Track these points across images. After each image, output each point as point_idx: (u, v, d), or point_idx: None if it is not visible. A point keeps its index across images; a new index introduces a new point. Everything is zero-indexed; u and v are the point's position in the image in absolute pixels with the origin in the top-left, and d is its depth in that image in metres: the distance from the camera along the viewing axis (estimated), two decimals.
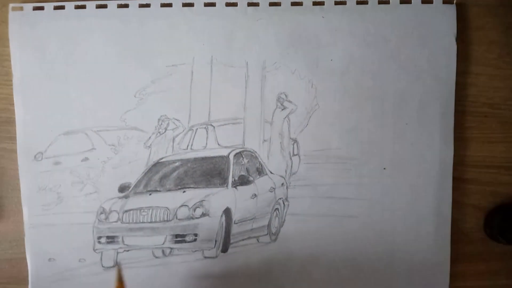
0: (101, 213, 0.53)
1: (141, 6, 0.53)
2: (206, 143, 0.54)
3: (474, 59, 0.54)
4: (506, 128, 0.55)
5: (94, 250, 0.53)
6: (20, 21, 0.53)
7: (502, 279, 0.57)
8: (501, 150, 0.55)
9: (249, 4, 0.53)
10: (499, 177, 0.56)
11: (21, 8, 0.53)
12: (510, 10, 0.54)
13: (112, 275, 0.52)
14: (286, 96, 0.54)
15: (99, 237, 0.53)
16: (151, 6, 0.53)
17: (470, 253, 0.56)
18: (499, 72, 0.54)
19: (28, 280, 0.54)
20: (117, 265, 0.53)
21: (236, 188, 0.54)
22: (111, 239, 0.53)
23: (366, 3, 0.53)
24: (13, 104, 0.53)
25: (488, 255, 0.56)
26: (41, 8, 0.53)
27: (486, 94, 0.55)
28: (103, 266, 0.53)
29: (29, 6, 0.52)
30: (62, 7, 0.53)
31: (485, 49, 0.54)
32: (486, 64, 0.54)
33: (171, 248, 0.53)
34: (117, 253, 0.53)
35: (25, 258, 0.54)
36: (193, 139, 0.54)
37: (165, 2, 0.53)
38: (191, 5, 0.53)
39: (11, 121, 0.54)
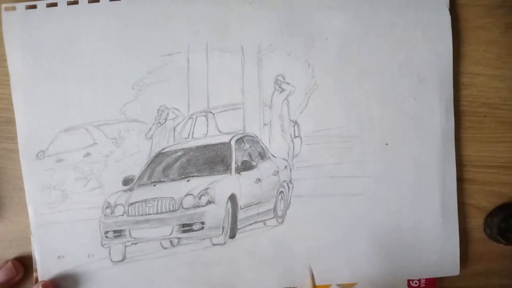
0: (107, 207, 0.53)
1: None
2: (207, 131, 0.54)
3: (474, 59, 0.54)
4: (506, 128, 0.55)
5: (102, 245, 0.53)
6: (13, 21, 0.53)
7: (502, 279, 0.57)
8: (501, 150, 0.55)
9: None
10: (499, 177, 0.56)
11: (14, 8, 0.53)
12: (510, 10, 0.54)
13: (122, 269, 0.53)
14: (283, 78, 0.54)
15: (106, 232, 0.53)
16: None
17: (470, 253, 0.56)
18: (499, 72, 0.55)
19: (32, 279, 0.54)
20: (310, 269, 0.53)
21: (239, 173, 0.54)
22: (118, 233, 0.53)
23: None
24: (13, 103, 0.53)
25: (488, 255, 0.56)
26: (34, 6, 0.53)
27: (485, 94, 0.55)
28: (112, 261, 0.53)
29: (21, 5, 0.52)
30: (55, 4, 0.53)
31: (485, 49, 0.54)
32: (486, 64, 0.54)
33: (179, 238, 0.53)
34: (125, 246, 0.53)
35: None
36: (194, 127, 0.54)
37: None
38: None
39: (12, 121, 0.53)
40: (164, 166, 0.54)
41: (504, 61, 0.54)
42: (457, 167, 0.54)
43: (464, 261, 0.56)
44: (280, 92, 0.54)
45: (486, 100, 0.55)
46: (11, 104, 0.53)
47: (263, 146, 0.54)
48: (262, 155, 0.55)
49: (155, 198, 0.53)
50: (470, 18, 0.54)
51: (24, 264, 0.54)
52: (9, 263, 0.53)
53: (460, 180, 0.55)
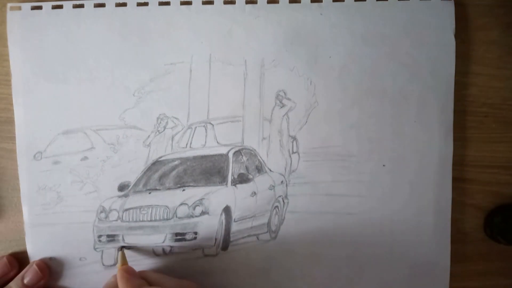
0: (101, 212, 0.53)
1: (139, 4, 0.53)
2: (205, 141, 0.54)
3: (474, 59, 0.54)
4: (506, 128, 0.55)
5: (95, 248, 0.53)
6: (18, 21, 0.53)
7: (502, 279, 0.57)
8: (501, 150, 0.55)
9: (247, 2, 0.53)
10: (499, 177, 0.55)
11: (19, 8, 0.53)
12: (510, 10, 0.54)
13: (113, 273, 0.53)
14: (285, 93, 0.54)
15: (100, 236, 0.53)
16: (149, 5, 0.53)
17: (470, 253, 0.56)
18: (499, 72, 0.54)
19: None
20: (121, 249, 0.52)
21: (235, 186, 0.54)
22: (111, 238, 0.53)
23: (365, 0, 0.53)
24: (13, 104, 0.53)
25: (488, 255, 0.56)
26: (39, 7, 0.53)
27: (486, 94, 0.55)
28: (103, 265, 0.54)
29: (27, 5, 0.52)
30: (60, 7, 0.53)
31: (485, 49, 0.54)
32: (486, 64, 0.54)
33: (171, 247, 0.53)
34: (118, 251, 0.53)
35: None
36: (192, 137, 0.54)
37: (163, 0, 0.53)
38: (189, 3, 0.53)
39: (11, 121, 0.54)
40: (160, 174, 0.54)
41: (504, 61, 0.54)
42: (457, 167, 0.54)
43: (464, 261, 0.56)
44: (281, 107, 0.54)
45: (486, 100, 0.55)
46: (11, 104, 0.53)
47: (261, 160, 0.54)
48: (259, 169, 0.55)
49: (149, 205, 0.53)
50: (470, 18, 0.54)
51: (21, 262, 0.54)
52: (4, 258, 0.53)
53: (460, 180, 0.55)
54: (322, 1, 0.53)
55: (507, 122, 0.55)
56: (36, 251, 0.54)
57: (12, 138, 0.54)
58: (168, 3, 0.53)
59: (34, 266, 0.52)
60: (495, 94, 0.55)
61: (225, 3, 0.53)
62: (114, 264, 0.53)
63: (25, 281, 0.51)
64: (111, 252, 0.54)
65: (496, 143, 0.55)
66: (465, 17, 0.54)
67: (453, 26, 0.52)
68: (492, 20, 0.54)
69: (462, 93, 0.54)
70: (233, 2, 0.53)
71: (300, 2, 0.53)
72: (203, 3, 0.53)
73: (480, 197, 0.56)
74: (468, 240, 0.56)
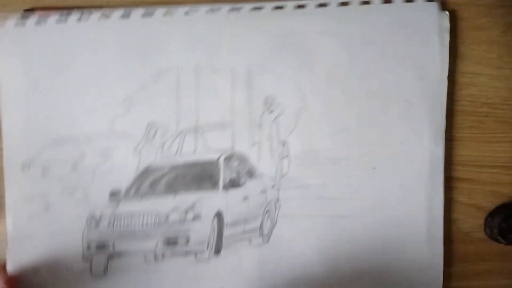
0: (92, 219, 0.53)
1: (124, 17, 0.53)
2: (196, 148, 0.54)
3: (474, 59, 0.55)
4: (506, 128, 0.55)
5: (83, 258, 0.53)
6: (5, 31, 0.53)
7: (502, 279, 0.56)
8: (501, 150, 0.56)
9: (232, 9, 0.53)
10: (499, 177, 0.56)
11: (6, 18, 0.52)
12: (510, 10, 0.55)
13: (102, 283, 0.52)
14: (273, 99, 0.54)
15: (89, 244, 0.53)
16: (131, 17, 0.53)
17: (470, 253, 0.56)
18: (499, 72, 0.55)
19: None
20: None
21: (227, 191, 0.54)
22: (101, 246, 0.52)
23: (347, 4, 0.53)
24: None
25: (488, 255, 0.56)
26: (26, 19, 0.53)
27: (486, 94, 0.55)
28: (92, 274, 0.53)
29: (14, 16, 0.52)
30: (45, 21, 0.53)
31: (485, 49, 0.55)
32: (486, 64, 0.55)
33: (163, 253, 0.53)
34: (107, 260, 0.53)
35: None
36: (182, 144, 0.54)
37: (147, 12, 0.53)
38: (172, 13, 0.53)
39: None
40: (151, 181, 0.54)
41: (504, 61, 0.55)
42: (457, 167, 0.55)
43: (464, 261, 0.56)
44: (270, 112, 0.54)
45: (486, 100, 0.55)
46: None
47: (252, 165, 0.55)
48: (250, 174, 0.55)
49: (141, 211, 0.53)
50: (470, 18, 0.54)
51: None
52: None
53: (460, 180, 0.55)
54: (305, 7, 0.53)
55: (507, 122, 0.55)
56: (17, 265, 0.52)
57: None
58: (151, 14, 0.53)
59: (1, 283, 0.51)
60: (495, 94, 0.55)
61: (209, 12, 0.53)
62: (104, 274, 0.53)
63: None
64: (100, 261, 0.53)
65: (496, 143, 0.56)
66: (465, 17, 0.54)
67: (437, 27, 0.53)
68: (492, 20, 0.55)
69: (462, 93, 0.55)
70: (218, 10, 0.53)
71: (282, 8, 0.53)
72: (186, 13, 0.53)
73: (480, 197, 0.56)
74: (468, 240, 0.56)
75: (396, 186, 0.54)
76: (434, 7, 0.53)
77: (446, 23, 0.53)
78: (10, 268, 0.52)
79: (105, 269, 0.53)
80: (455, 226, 0.55)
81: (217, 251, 0.53)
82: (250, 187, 0.55)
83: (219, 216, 0.53)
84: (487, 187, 0.56)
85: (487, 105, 0.55)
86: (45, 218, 0.53)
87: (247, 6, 0.53)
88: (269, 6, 0.53)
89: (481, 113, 0.55)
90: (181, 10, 0.53)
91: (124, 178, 0.53)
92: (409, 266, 0.54)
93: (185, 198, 0.53)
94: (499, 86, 0.55)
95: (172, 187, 0.54)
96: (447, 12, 0.53)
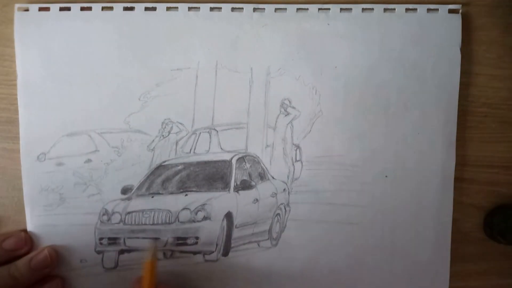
0: (104, 214, 0.53)
1: (147, 9, 0.53)
2: (209, 147, 0.54)
3: (474, 59, 0.54)
4: (506, 128, 0.55)
5: (96, 251, 0.53)
6: (25, 22, 0.52)
7: (502, 279, 0.57)
8: (501, 150, 0.55)
9: (255, 10, 0.53)
10: (499, 177, 0.56)
11: (27, 9, 0.53)
12: (510, 10, 0.54)
13: (113, 276, 0.53)
14: (289, 102, 0.54)
15: (101, 238, 0.53)
16: (157, 10, 0.53)
17: (470, 253, 0.56)
18: (499, 72, 0.54)
19: None
20: (154, 243, 0.53)
21: (238, 192, 0.54)
22: (112, 240, 0.53)
23: (372, 10, 0.53)
24: (14, 104, 0.53)
25: (488, 255, 0.56)
26: (47, 9, 0.53)
27: (486, 94, 0.55)
28: (104, 267, 0.54)
29: (34, 6, 0.52)
30: (68, 9, 0.53)
31: (485, 49, 0.54)
32: (486, 64, 0.54)
33: (172, 251, 0.53)
34: (118, 254, 0.54)
35: None
36: (196, 143, 0.54)
37: (171, 5, 0.53)
38: (196, 9, 0.53)
39: (12, 121, 0.54)
40: (163, 178, 0.54)
41: (504, 61, 0.54)
42: (457, 167, 0.54)
43: (464, 261, 0.56)
44: (285, 115, 0.54)
45: (486, 100, 0.55)
46: (12, 104, 0.53)
47: (264, 167, 0.55)
48: (262, 176, 0.55)
49: (152, 209, 0.53)
50: (470, 18, 0.54)
51: None
52: (22, 234, 0.52)
53: (460, 180, 0.55)
54: (329, 10, 0.53)
55: (507, 122, 0.55)
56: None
57: (13, 138, 0.54)
58: (176, 8, 0.53)
59: (45, 251, 0.52)
60: (495, 94, 0.55)
61: (232, 10, 0.53)
62: (115, 267, 0.53)
63: (32, 263, 0.51)
64: (112, 255, 0.54)
65: (496, 143, 0.55)
66: (465, 17, 0.54)
67: (460, 39, 0.53)
68: (492, 20, 0.54)
69: (462, 93, 0.54)
70: (241, 9, 0.53)
71: (307, 10, 0.53)
72: (211, 9, 0.53)
73: (480, 197, 0.56)
74: (468, 240, 0.56)
75: (407, 195, 0.54)
76: (457, 18, 0.53)
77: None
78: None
79: (116, 263, 0.53)
80: (455, 226, 0.55)
81: (226, 252, 0.54)
82: (261, 189, 0.55)
83: (228, 217, 0.54)
84: (487, 187, 0.56)
85: (487, 105, 0.55)
86: (59, 210, 0.53)
87: (271, 7, 0.53)
88: (293, 7, 0.53)
89: (481, 113, 0.55)
90: (204, 7, 0.53)
91: (136, 175, 0.54)
92: (416, 274, 0.55)
93: (196, 198, 0.53)
94: (499, 86, 0.55)
95: (184, 186, 0.54)
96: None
